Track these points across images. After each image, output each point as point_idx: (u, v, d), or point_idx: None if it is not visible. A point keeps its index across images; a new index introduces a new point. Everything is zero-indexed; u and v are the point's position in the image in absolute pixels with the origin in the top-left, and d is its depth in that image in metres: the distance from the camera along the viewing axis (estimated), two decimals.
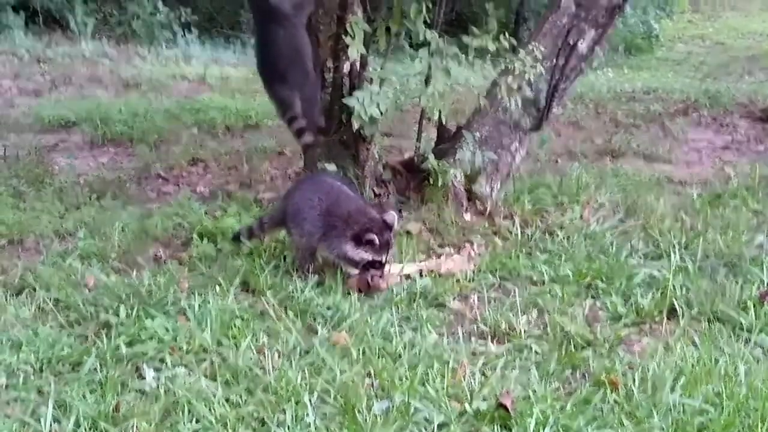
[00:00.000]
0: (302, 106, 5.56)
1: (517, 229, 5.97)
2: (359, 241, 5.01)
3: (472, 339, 4.50)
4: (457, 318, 4.79)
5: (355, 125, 5.50)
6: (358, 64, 5.88)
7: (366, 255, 5.02)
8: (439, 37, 5.66)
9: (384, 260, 5.04)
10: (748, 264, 5.43)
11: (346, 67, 5.91)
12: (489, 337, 4.51)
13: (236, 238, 5.53)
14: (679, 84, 13.77)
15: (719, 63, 18.17)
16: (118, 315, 4.48)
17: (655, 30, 21.43)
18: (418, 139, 6.37)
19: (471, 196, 6.27)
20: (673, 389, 3.85)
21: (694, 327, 4.66)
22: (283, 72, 5.51)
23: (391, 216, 5.13)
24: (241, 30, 17.64)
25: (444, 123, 6.27)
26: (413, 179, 6.29)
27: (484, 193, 6.30)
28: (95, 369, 4.00)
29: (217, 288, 4.86)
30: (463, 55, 5.68)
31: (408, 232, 5.81)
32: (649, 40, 21.33)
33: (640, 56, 20.20)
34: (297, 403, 3.69)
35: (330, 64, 5.97)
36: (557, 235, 5.87)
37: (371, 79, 5.79)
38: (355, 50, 5.49)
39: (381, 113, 5.48)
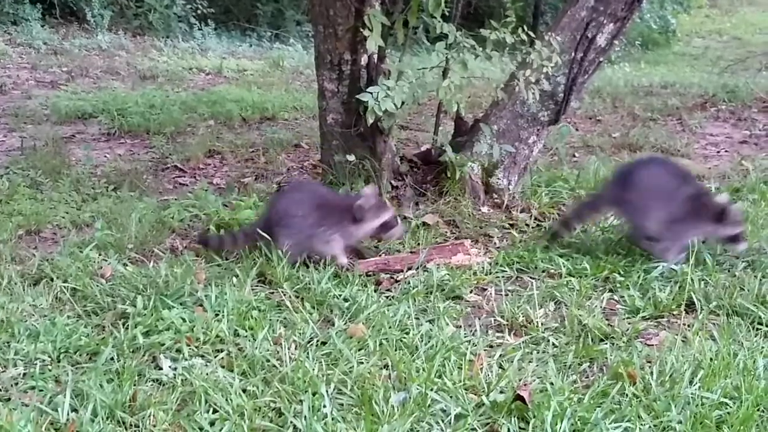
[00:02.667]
0: None
1: (533, 222, 5.93)
2: (360, 218, 5.24)
3: (489, 331, 4.48)
4: (474, 310, 4.78)
5: (370, 120, 5.48)
6: (375, 57, 5.88)
7: (375, 222, 5.27)
8: (457, 30, 5.64)
9: (391, 213, 5.36)
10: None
11: (364, 60, 5.91)
12: (506, 329, 4.50)
13: (203, 243, 5.50)
14: (697, 78, 13.74)
15: (736, 58, 18.08)
16: (135, 305, 4.47)
17: (672, 25, 21.40)
18: (436, 132, 6.37)
19: (488, 188, 6.27)
20: (691, 382, 3.83)
21: (713, 321, 4.63)
22: None
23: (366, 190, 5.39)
24: (257, 23, 17.65)
25: (461, 116, 6.26)
26: (430, 172, 6.30)
27: (502, 185, 6.30)
28: (112, 359, 4.01)
29: (234, 279, 4.87)
30: (481, 49, 5.66)
31: (425, 224, 5.81)
32: (666, 35, 21.28)
33: (657, 51, 20.16)
34: (314, 394, 3.68)
35: (348, 56, 5.98)
36: (575, 229, 5.83)
37: (389, 71, 5.78)
38: (373, 43, 5.48)
39: (396, 107, 5.46)
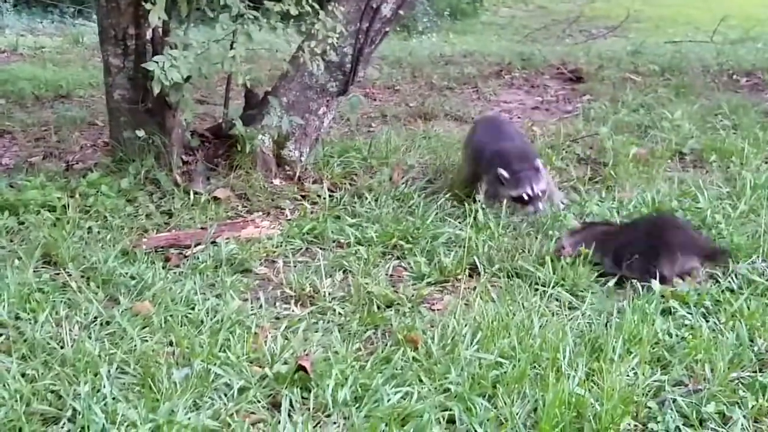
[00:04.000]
0: None
1: (326, 192, 5.99)
2: None
3: (277, 303, 4.52)
4: (263, 283, 4.80)
5: (156, 89, 5.38)
6: (160, 30, 5.79)
7: None
8: (241, 1, 5.60)
9: None
10: (549, 220, 5.60)
11: (149, 34, 5.81)
12: (293, 300, 4.54)
13: None
14: (496, 47, 14.03)
15: (540, 26, 18.60)
16: None
17: None
18: (226, 106, 6.33)
19: (280, 161, 6.28)
20: (471, 345, 3.96)
21: (495, 283, 4.79)
22: None
23: None
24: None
25: (251, 89, 6.24)
26: (222, 146, 6.26)
27: (293, 157, 6.32)
28: None
29: (17, 261, 4.75)
30: (265, 20, 5.66)
31: (216, 199, 5.79)
32: (474, 5, 21.62)
33: (466, 21, 20.50)
34: (96, 375, 3.64)
35: (132, 31, 5.87)
36: (366, 198, 5.91)
37: (175, 45, 5.70)
38: (155, 16, 5.37)
39: (183, 78, 5.40)
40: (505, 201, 5.69)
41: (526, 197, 5.65)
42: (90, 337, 3.98)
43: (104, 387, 3.53)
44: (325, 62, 6.02)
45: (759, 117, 8.33)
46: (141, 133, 5.93)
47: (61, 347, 3.89)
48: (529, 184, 5.65)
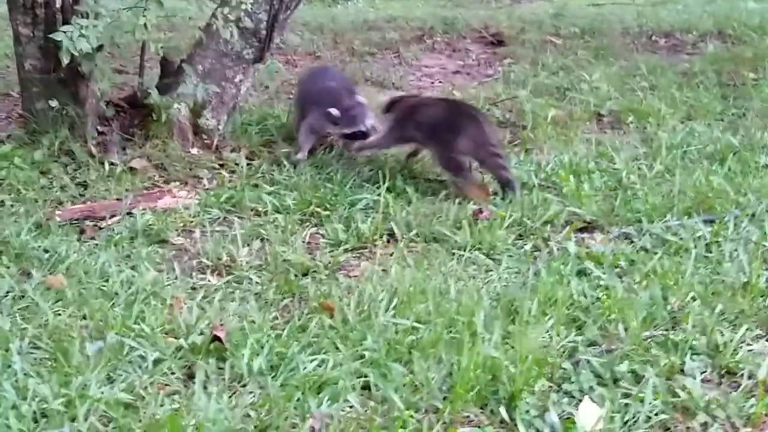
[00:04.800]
0: None
1: (243, 161, 5.94)
2: None
3: (193, 274, 4.48)
4: (179, 253, 4.76)
5: (65, 60, 5.28)
6: None
7: None
8: None
9: None
10: None
11: (58, 2, 5.69)
12: (209, 270, 4.51)
13: None
14: (420, 12, 13.98)
15: None
16: None
17: None
18: (141, 75, 6.23)
19: (197, 130, 6.20)
20: (387, 311, 3.96)
21: (413, 248, 4.80)
22: None
23: None
24: None
25: (166, 57, 6.16)
26: (138, 115, 6.15)
27: (210, 126, 6.24)
28: None
29: None
30: None
31: (132, 169, 5.71)
32: None
33: None
34: (7, 350, 3.58)
35: None
36: (285, 166, 5.88)
37: (86, 14, 5.58)
38: None
39: (93, 48, 5.30)
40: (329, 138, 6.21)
41: (359, 133, 5.94)
42: (1, 313, 3.92)
43: (15, 363, 3.48)
44: (240, 29, 5.96)
45: (676, 78, 8.44)
46: (54, 103, 5.83)
47: None
48: (362, 120, 5.96)
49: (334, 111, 5.92)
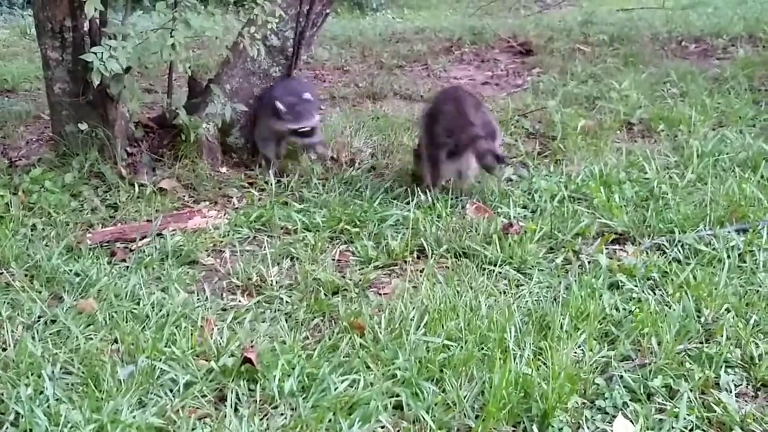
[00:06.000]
0: None
1: (272, 179, 5.94)
2: None
3: (223, 294, 4.48)
4: (210, 274, 4.75)
5: (95, 81, 5.31)
6: (97, 21, 5.70)
7: None
8: None
9: None
10: (498, 198, 5.60)
11: (86, 25, 5.73)
12: (240, 290, 4.51)
13: None
14: (447, 22, 13.98)
15: None
16: None
17: None
18: (169, 95, 6.26)
19: (226, 148, 6.25)
20: (418, 328, 3.94)
21: (443, 264, 4.77)
22: None
23: None
24: None
25: (194, 77, 6.19)
26: (167, 136, 6.20)
27: (239, 144, 6.29)
28: None
29: None
30: (203, 7, 5.60)
31: (161, 189, 5.73)
32: None
33: None
34: (39, 376, 3.59)
35: (69, 23, 5.79)
36: (314, 183, 5.88)
37: (113, 35, 5.62)
38: (92, 7, 5.29)
39: (122, 69, 5.33)
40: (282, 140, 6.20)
41: (307, 129, 6.03)
42: (33, 338, 3.92)
43: (47, 388, 3.49)
44: (267, 47, 6.00)
45: (707, 84, 8.35)
46: (83, 126, 5.87)
47: (4, 350, 3.83)
48: (308, 116, 6.03)
49: (279, 105, 5.96)
